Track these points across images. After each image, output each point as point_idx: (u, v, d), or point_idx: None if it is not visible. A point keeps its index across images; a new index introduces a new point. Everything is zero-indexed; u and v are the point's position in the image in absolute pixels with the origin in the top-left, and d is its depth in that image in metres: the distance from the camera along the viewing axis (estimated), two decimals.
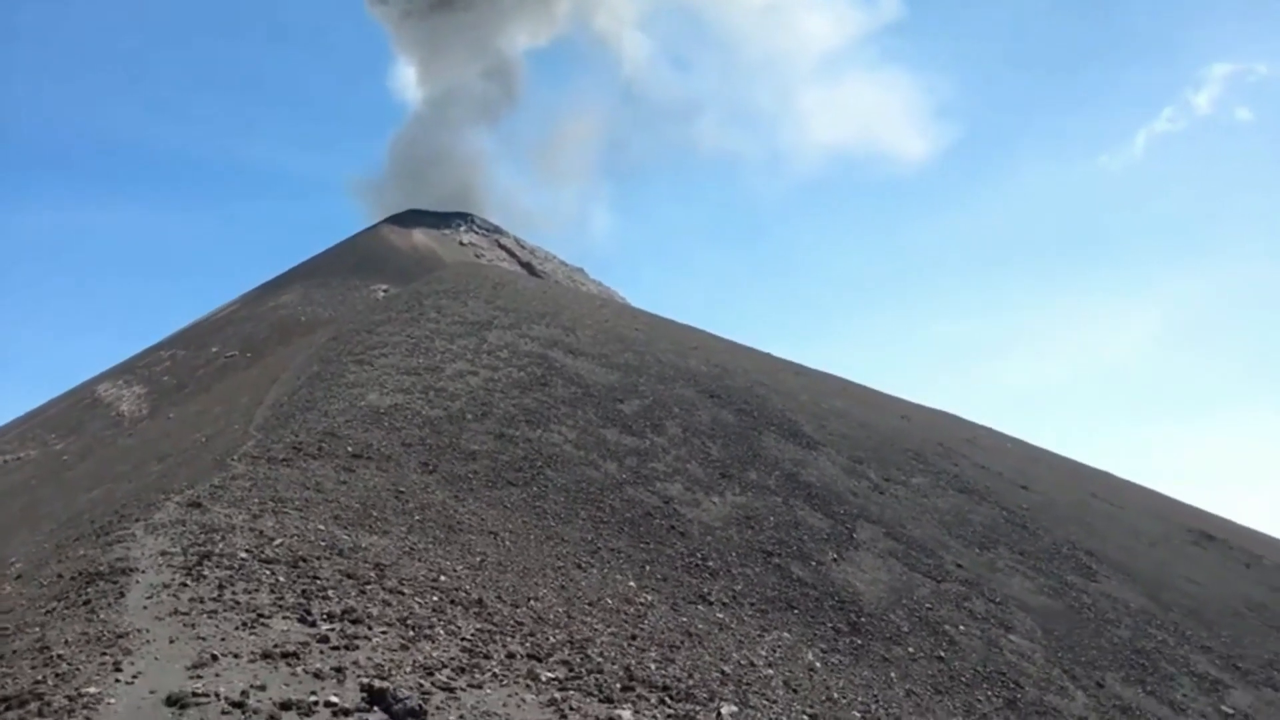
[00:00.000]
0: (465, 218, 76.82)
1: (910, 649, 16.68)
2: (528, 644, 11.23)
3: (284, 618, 9.82)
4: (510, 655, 10.61)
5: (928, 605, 18.48)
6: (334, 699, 8.12)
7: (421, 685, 8.91)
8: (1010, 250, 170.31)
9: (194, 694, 7.71)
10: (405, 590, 11.69)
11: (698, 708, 11.01)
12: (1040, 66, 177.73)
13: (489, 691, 9.29)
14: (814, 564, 18.87)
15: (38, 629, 9.38)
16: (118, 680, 7.90)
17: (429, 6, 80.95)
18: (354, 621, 10.11)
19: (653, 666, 12.18)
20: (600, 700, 10.03)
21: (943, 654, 16.84)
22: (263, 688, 8.11)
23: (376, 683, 8.41)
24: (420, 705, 8.24)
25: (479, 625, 11.32)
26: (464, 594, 12.34)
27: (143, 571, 10.68)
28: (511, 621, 11.91)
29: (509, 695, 9.34)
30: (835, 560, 19.32)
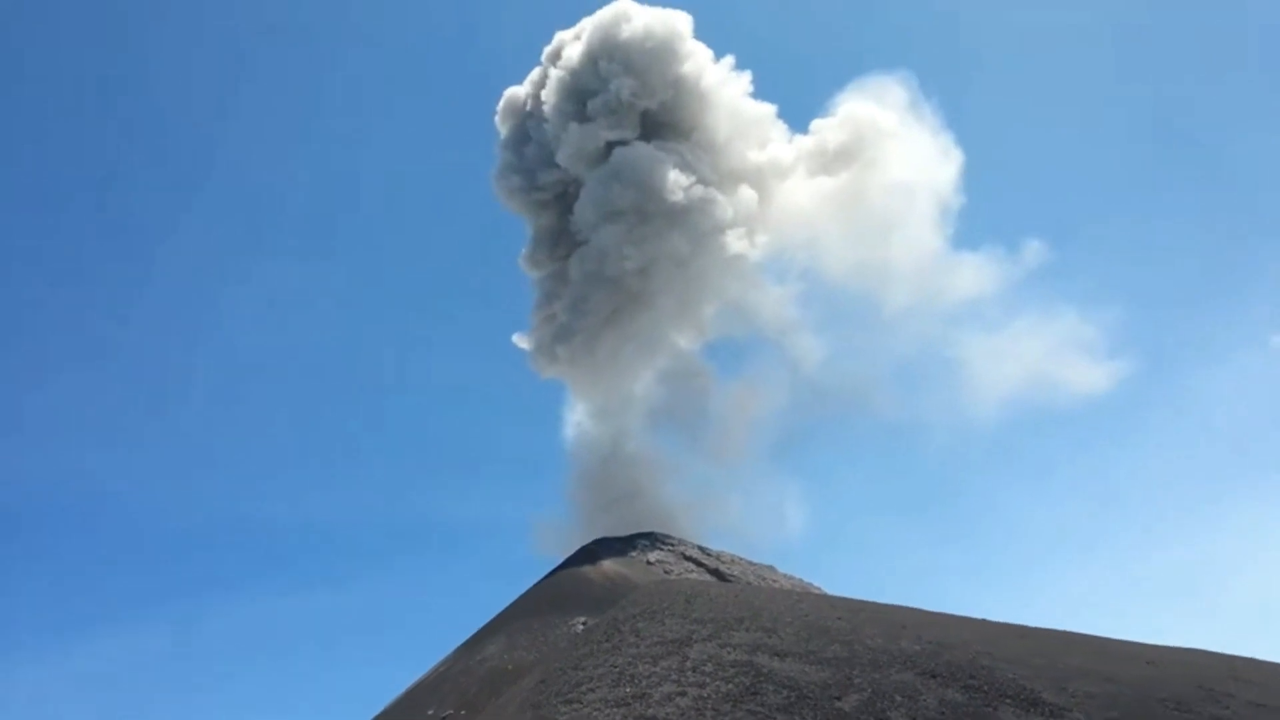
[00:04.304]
0: (649, 537, 77.69)
1: None
2: None
3: None
4: None
5: None
6: None
7: None
8: (1216, 461, 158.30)
9: None
10: None
11: None
12: (1193, 268, 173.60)
13: None
14: None
15: None
16: None
17: (593, 337, 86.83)
18: None
19: None
20: None
21: None
22: None
23: None
24: None
25: None
26: None
27: None
28: None
29: None
30: None
